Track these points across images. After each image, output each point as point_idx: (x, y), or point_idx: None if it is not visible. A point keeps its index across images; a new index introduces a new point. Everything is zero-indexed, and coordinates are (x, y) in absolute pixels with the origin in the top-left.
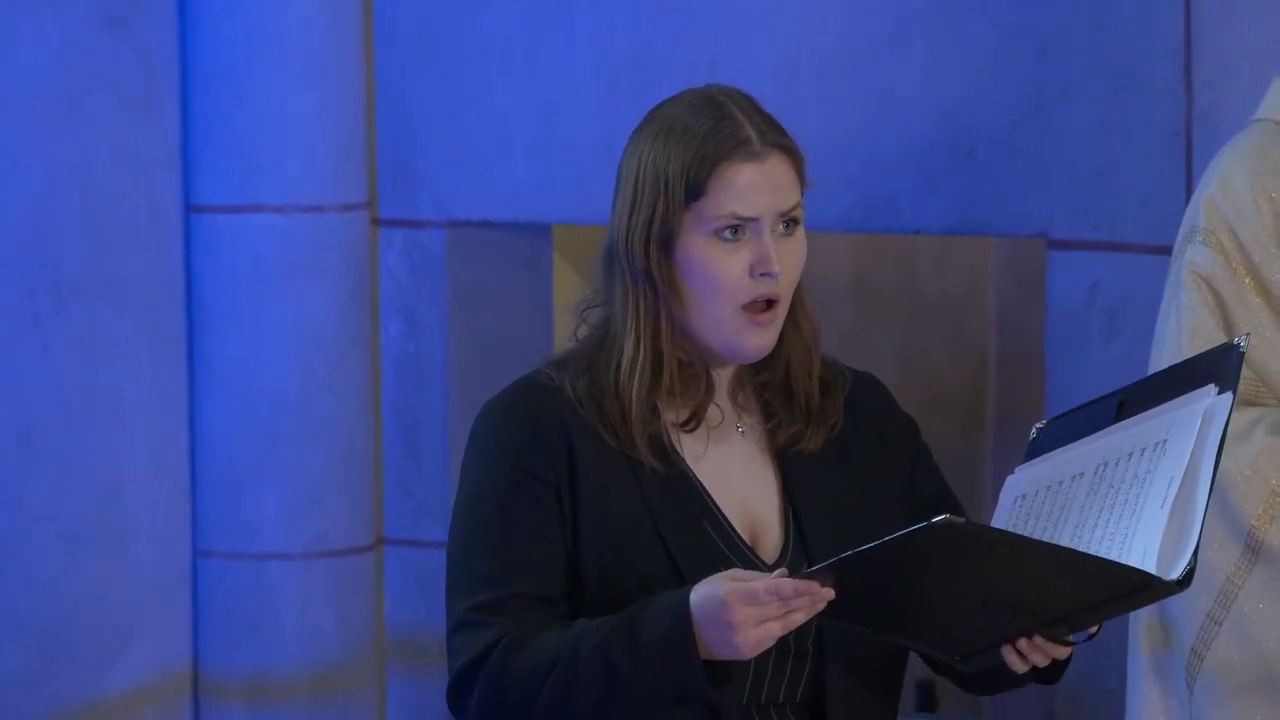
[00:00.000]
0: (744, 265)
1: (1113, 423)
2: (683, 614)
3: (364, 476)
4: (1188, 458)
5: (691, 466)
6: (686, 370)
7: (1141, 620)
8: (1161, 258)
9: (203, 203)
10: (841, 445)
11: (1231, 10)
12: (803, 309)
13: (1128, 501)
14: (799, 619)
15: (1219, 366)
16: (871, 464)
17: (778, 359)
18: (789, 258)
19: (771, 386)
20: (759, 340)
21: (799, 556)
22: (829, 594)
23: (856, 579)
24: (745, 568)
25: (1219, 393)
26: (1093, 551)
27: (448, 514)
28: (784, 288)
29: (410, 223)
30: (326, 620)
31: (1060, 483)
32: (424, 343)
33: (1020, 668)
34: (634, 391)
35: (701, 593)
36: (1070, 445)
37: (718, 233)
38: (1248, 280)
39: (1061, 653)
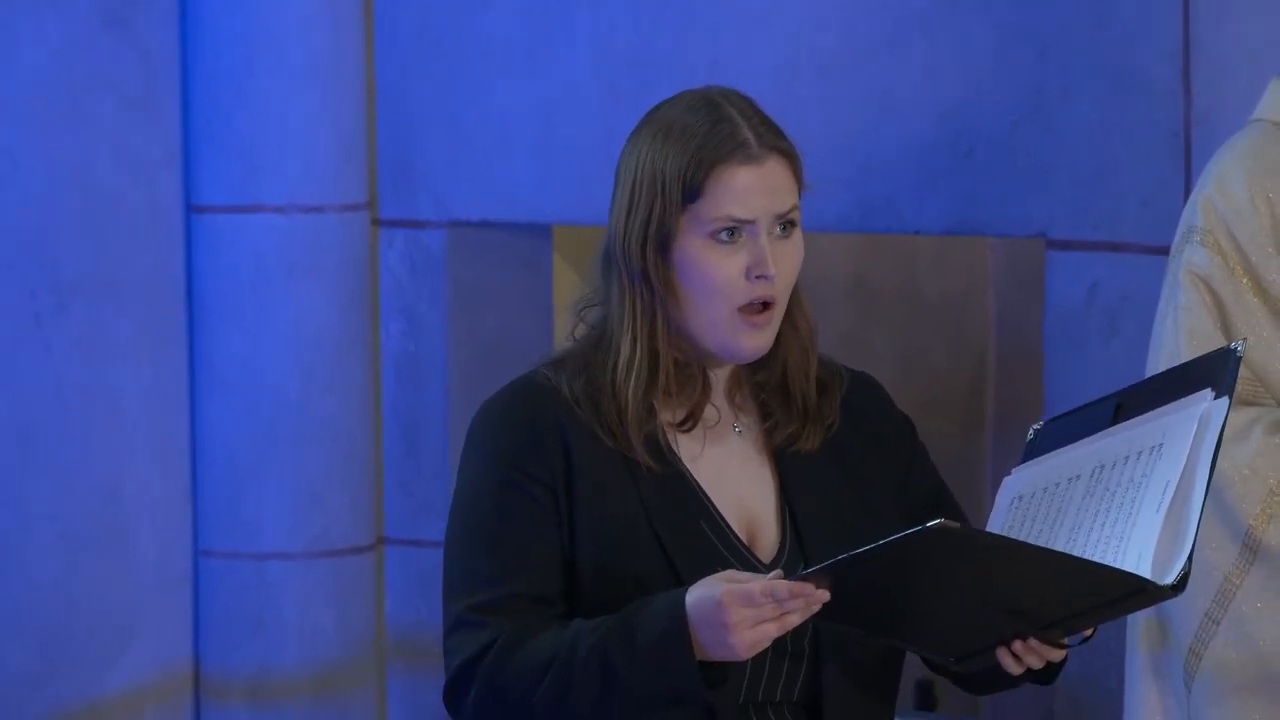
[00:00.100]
0: (740, 267)
1: (1110, 425)
2: (678, 615)
3: (364, 476)
4: (1184, 462)
5: (688, 466)
6: (683, 370)
7: (1140, 620)
8: (1161, 258)
9: (203, 203)
10: (838, 445)
11: (1230, 11)
12: (800, 309)
13: (1123, 505)
14: (794, 620)
15: (1216, 371)
16: (868, 463)
17: (775, 359)
18: (785, 260)
19: (768, 386)
20: (755, 342)
21: (796, 556)
22: (824, 596)
23: (852, 581)
24: (742, 567)
25: (1215, 397)
26: (1088, 555)
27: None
28: (780, 290)
29: (410, 223)
30: (327, 620)
31: (1057, 485)
32: (424, 343)
33: (1015, 670)
34: (630, 391)
35: (697, 594)
36: (1067, 447)
37: (714, 234)
38: (1245, 280)
39: (1056, 655)
